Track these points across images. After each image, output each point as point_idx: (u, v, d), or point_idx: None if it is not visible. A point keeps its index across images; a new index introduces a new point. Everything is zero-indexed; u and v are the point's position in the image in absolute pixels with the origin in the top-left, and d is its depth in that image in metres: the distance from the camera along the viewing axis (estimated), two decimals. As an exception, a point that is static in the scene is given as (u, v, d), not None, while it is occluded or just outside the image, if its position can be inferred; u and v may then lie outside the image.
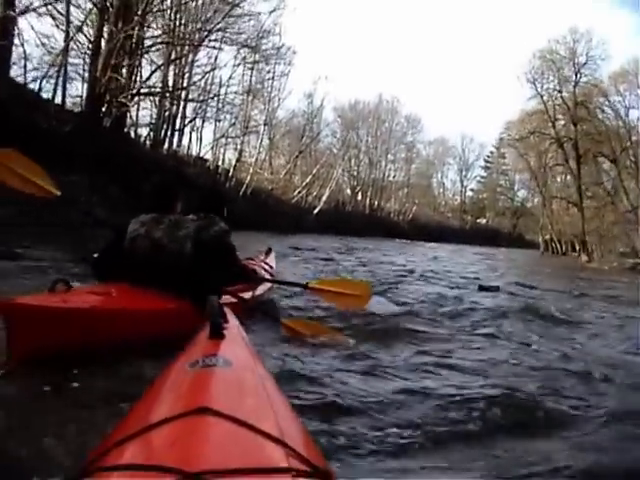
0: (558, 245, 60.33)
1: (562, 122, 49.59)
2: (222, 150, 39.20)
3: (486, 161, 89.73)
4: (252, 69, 37.10)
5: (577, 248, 59.75)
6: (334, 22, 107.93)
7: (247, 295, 5.42)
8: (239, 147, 38.37)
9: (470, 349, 5.11)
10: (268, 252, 8.65)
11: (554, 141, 49.37)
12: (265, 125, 41.05)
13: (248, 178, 37.35)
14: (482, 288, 10.65)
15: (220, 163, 38.67)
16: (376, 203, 63.69)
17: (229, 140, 39.00)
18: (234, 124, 37.86)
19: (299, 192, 46.23)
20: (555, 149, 50.43)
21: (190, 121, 35.09)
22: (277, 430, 1.27)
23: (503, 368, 4.41)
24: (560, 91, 48.97)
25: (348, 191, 62.57)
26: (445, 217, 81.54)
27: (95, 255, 4.74)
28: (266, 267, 7.50)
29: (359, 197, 62.37)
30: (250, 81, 37.67)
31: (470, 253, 35.54)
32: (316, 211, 47.14)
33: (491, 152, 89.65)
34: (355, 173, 63.07)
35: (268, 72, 39.00)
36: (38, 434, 2.41)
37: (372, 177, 64.16)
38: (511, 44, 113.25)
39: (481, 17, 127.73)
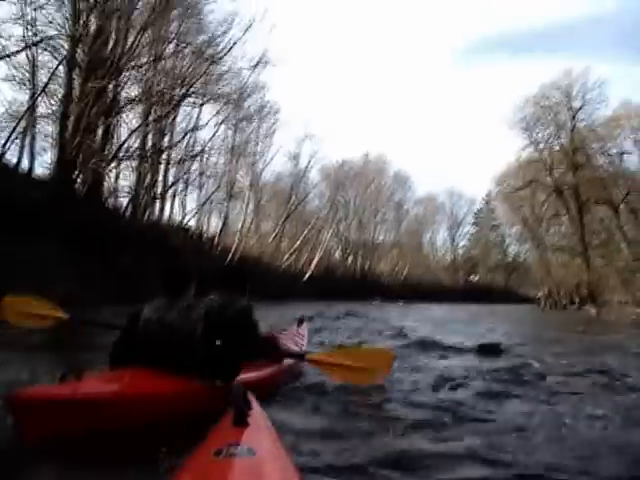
0: (557, 298, 58.72)
1: (559, 170, 48.07)
2: (206, 216, 37.31)
3: (475, 217, 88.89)
4: (235, 128, 35.44)
5: (576, 300, 58.50)
6: (317, 80, 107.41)
7: (272, 370, 5.53)
8: (224, 213, 36.47)
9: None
10: (300, 322, 8.55)
11: (553, 190, 47.67)
12: (250, 188, 39.23)
13: (235, 245, 35.37)
14: (483, 348, 9.49)
15: (205, 230, 36.74)
16: (367, 265, 61.76)
17: (213, 206, 37.16)
18: (218, 188, 36.04)
19: (288, 257, 44.33)
20: (553, 198, 48.75)
21: (172, 185, 33.05)
22: None
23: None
24: (558, 137, 47.66)
25: (337, 254, 61.17)
26: (437, 276, 79.81)
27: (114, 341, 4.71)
28: (297, 338, 7.45)
29: (349, 260, 60.78)
30: (233, 141, 36.05)
31: (465, 312, 33.29)
32: (306, 276, 45.17)
33: (480, 208, 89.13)
34: (344, 236, 61.45)
35: (251, 132, 37.45)
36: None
37: (362, 239, 62.67)
38: (497, 94, 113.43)
39: (465, 69, 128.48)
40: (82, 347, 6.97)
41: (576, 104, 46.93)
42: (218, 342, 4.65)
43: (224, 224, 36.47)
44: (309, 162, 46.09)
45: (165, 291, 4.65)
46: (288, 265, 44.29)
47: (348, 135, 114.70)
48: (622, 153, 44.73)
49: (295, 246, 45.82)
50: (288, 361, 5.96)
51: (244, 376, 4.76)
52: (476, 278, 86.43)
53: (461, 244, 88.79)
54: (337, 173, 55.67)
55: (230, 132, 35.59)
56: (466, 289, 76.84)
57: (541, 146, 48.82)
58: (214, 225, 38.14)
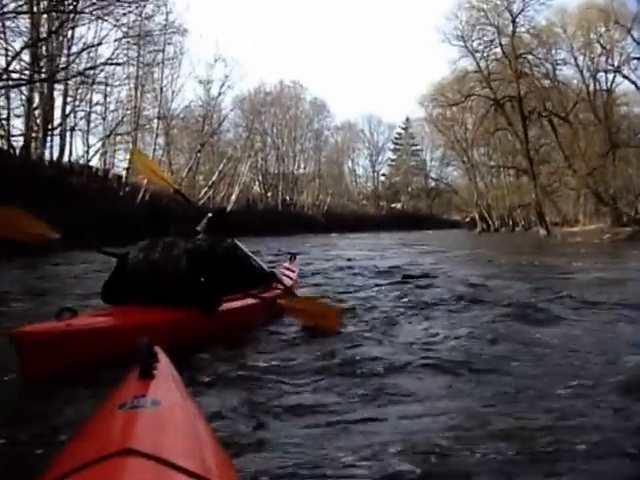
0: (491, 221, 58.36)
1: (498, 82, 44.71)
2: (112, 152, 34.05)
3: (395, 143, 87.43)
4: (138, 52, 31.90)
5: (517, 222, 58.20)
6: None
7: (267, 295, 6.20)
8: (131, 147, 33.28)
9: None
10: (292, 259, 9.00)
11: (493, 103, 44.62)
12: (159, 119, 35.95)
13: (145, 181, 32.54)
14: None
15: (111, 167, 33.66)
16: (288, 198, 59.53)
17: (119, 140, 33.86)
18: (123, 119, 32.73)
19: (205, 193, 41.57)
20: (492, 113, 45.90)
21: (69, 114, 29.17)
22: (203, 469, 1.28)
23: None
24: (497, 44, 43.78)
25: (257, 188, 58.56)
26: (360, 205, 78.42)
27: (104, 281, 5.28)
28: (287, 272, 7.81)
29: (270, 194, 58.13)
30: (137, 66, 32.53)
31: (398, 240, 31.80)
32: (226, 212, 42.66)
33: (399, 133, 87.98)
34: (264, 168, 58.66)
35: (156, 55, 34.00)
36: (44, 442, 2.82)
37: (282, 170, 60.01)
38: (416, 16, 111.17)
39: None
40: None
41: (516, 7, 43.15)
42: (202, 277, 5.17)
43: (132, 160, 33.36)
44: (221, 87, 42.01)
45: (148, 233, 5.22)
46: (205, 202, 41.64)
47: (262, 62, 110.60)
48: (555, 64, 42.53)
49: (212, 180, 42.75)
50: (273, 294, 6.38)
51: (224, 307, 5.34)
52: (399, 205, 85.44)
53: (382, 172, 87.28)
54: (252, 101, 52.38)
55: (133, 54, 31.87)
56: (390, 217, 75.67)
57: (478, 55, 45.09)
58: (123, 163, 34.91)
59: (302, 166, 65.56)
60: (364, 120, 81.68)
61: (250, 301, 5.89)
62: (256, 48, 75.48)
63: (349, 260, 15.38)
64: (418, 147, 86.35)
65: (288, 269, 8.28)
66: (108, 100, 31.93)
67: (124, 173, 32.75)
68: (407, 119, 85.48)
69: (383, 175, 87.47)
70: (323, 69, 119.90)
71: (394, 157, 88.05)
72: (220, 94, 41.94)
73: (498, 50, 43.76)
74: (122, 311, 4.78)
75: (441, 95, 53.55)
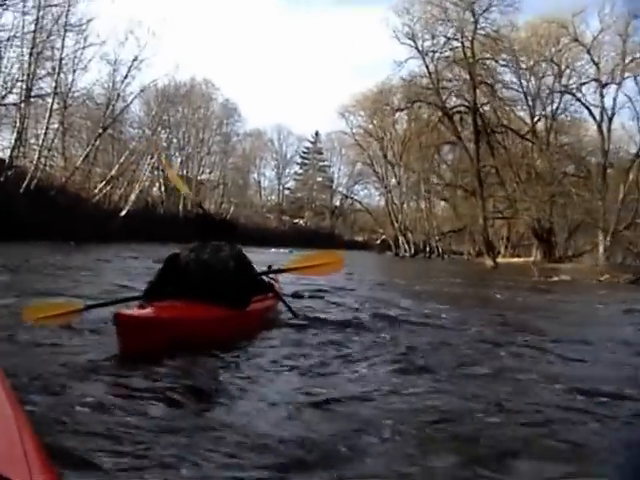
0: (407, 246, 55.40)
1: (448, 90, 41.07)
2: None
3: (302, 157, 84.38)
4: (37, 13, 26.65)
5: (428, 249, 55.62)
6: None
7: (268, 304, 6.74)
8: (18, 124, 27.62)
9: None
10: (268, 269, 8.24)
11: (443, 113, 40.31)
12: (55, 95, 30.32)
13: (32, 168, 27.08)
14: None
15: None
16: (189, 204, 54.63)
17: (4, 111, 28.15)
18: (11, 89, 27.10)
19: (101, 189, 36.25)
20: (433, 125, 42.13)
21: None
22: (26, 475, 1.24)
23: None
24: (462, 44, 38.41)
25: (158, 191, 54.34)
26: (264, 218, 74.43)
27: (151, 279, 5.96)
28: (272, 281, 7.72)
29: (172, 198, 53.62)
30: (35, 30, 27.14)
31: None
32: (123, 213, 37.62)
33: (307, 147, 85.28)
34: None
35: (57, 20, 28.62)
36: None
37: (186, 173, 55.61)
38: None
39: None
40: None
41: (478, 6, 38.58)
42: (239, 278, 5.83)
43: (18, 140, 27.81)
44: (129, 69, 36.19)
45: (197, 236, 6.00)
46: (101, 199, 36.36)
47: (174, 54, 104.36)
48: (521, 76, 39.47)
49: (111, 174, 37.46)
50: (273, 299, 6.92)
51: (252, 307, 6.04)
52: (302, 222, 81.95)
53: (287, 185, 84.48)
54: (160, 94, 47.34)
55: (30, 18, 26.66)
56: (293, 233, 71.69)
57: (429, 58, 40.17)
58: (6, 143, 29.19)
59: (207, 171, 62.03)
60: (273, 130, 78.80)
61: (259, 304, 6.30)
62: (170, 40, 69.94)
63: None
64: (326, 163, 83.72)
65: (272, 279, 7.96)
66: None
67: (7, 154, 27.06)
68: (316, 133, 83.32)
69: (288, 189, 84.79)
70: (236, 72, 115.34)
71: (300, 172, 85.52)
72: (127, 76, 36.29)
73: (449, 53, 39.72)
74: (184, 304, 5.25)
75: (366, 107, 50.31)
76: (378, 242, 65.27)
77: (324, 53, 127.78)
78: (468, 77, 37.13)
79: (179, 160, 55.88)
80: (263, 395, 3.62)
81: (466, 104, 38.61)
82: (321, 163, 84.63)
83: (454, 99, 40.69)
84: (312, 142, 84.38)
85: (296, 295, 8.85)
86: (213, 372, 4.13)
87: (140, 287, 8.34)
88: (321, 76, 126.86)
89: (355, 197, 78.65)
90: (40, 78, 29.28)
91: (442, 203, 58.20)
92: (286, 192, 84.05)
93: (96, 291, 8.19)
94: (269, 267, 8.01)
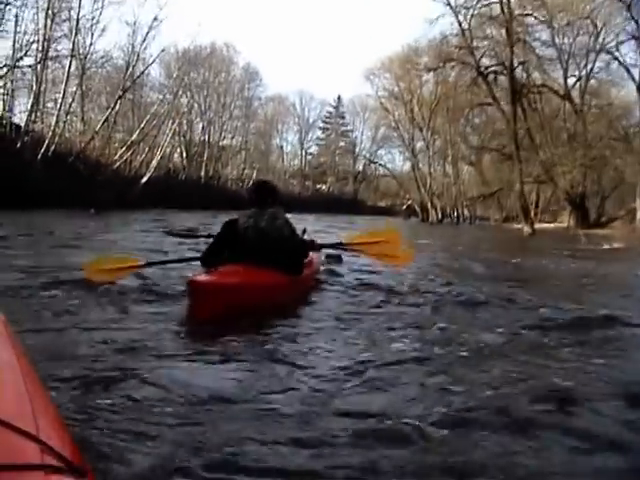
0: (434, 212, 54.17)
1: (482, 50, 38.35)
2: (10, 94, 27.26)
3: (325, 122, 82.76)
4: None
5: (456, 214, 54.40)
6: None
7: (314, 269, 7.02)
8: (35, 87, 26.61)
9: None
10: (303, 233, 8.06)
11: (477, 72, 37.72)
12: (73, 56, 29.11)
13: (49, 133, 26.14)
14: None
15: (9, 112, 27.04)
16: (212, 170, 54.03)
17: (19, 75, 27.12)
18: (28, 49, 26.00)
19: (121, 155, 35.27)
20: (467, 85, 39.61)
21: None
22: (33, 427, 1.23)
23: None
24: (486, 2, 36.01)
25: (179, 157, 53.16)
26: (287, 183, 73.29)
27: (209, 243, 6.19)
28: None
29: (193, 163, 52.74)
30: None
31: (342, 225, 26.60)
32: (144, 180, 36.76)
33: (329, 112, 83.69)
34: (188, 135, 53.17)
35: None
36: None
37: (208, 139, 54.68)
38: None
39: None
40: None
41: None
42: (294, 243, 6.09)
43: (35, 104, 26.82)
44: (148, 31, 35.06)
45: (254, 203, 6.05)
46: (121, 165, 35.44)
47: (195, 18, 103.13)
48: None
49: (131, 139, 36.43)
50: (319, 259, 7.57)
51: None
52: (324, 187, 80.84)
53: (310, 150, 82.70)
54: (180, 58, 46.14)
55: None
56: (316, 198, 70.84)
57: (462, 15, 37.31)
58: (23, 107, 28.17)
59: (230, 136, 60.40)
60: (295, 95, 77.19)
61: (307, 270, 6.41)
62: (190, 1, 68.47)
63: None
64: (349, 127, 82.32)
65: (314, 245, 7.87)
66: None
67: (24, 119, 26.13)
68: (339, 97, 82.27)
69: (310, 154, 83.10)
70: (257, 35, 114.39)
71: (323, 136, 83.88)
72: (146, 37, 35.05)
73: (485, 10, 36.88)
74: (246, 270, 5.33)
75: (394, 67, 48.78)
76: (404, 208, 64.20)
77: (348, 14, 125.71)
78: (504, 34, 34.90)
79: (201, 125, 54.87)
80: (326, 366, 3.58)
81: (501, 63, 36.44)
82: (343, 128, 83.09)
83: (485, 59, 38.39)
84: (334, 107, 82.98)
85: (338, 258, 9.00)
86: (281, 341, 4.18)
87: (167, 256, 8.55)
88: (344, 39, 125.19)
89: (378, 162, 77.24)
90: (56, 40, 28.10)
91: (465, 168, 56.78)
92: (308, 157, 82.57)
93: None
94: (303, 230, 7.90)
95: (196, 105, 53.99)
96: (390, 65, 53.61)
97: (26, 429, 1.19)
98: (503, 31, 35.01)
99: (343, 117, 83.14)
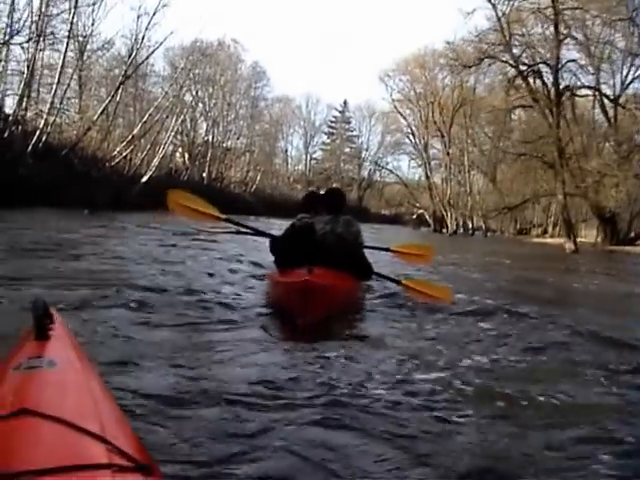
0: (449, 222, 51.99)
1: (522, 47, 34.52)
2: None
3: (330, 127, 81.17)
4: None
5: (470, 225, 52.17)
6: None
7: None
8: (26, 72, 24.05)
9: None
10: None
11: (518, 72, 34.00)
12: (69, 38, 26.36)
13: (42, 123, 23.66)
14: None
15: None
16: (215, 172, 51.88)
17: (10, 56, 24.53)
18: (20, 29, 23.29)
19: (120, 152, 32.75)
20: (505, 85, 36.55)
21: None
22: (99, 428, 1.28)
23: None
24: None
25: (181, 158, 51.19)
26: (291, 188, 71.53)
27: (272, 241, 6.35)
28: None
29: (197, 163, 50.61)
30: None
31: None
32: (144, 179, 34.36)
33: (335, 117, 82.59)
34: (191, 134, 51.02)
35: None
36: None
37: (211, 140, 52.43)
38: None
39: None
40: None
41: None
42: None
43: (27, 89, 24.28)
44: (153, 15, 31.62)
45: (327, 208, 6.37)
46: (121, 162, 32.98)
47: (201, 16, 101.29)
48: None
49: (132, 134, 33.81)
50: None
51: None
52: (329, 193, 78.83)
53: (315, 155, 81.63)
54: (187, 52, 43.66)
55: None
56: (321, 205, 68.50)
57: (500, 9, 33.80)
58: (12, 95, 25.56)
59: (235, 136, 58.18)
60: (302, 97, 76.43)
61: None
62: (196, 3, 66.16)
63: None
64: (354, 133, 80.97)
65: None
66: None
67: (14, 107, 23.64)
68: (345, 102, 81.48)
69: (314, 159, 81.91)
70: (264, 37, 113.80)
71: (328, 141, 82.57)
72: (151, 22, 31.45)
73: (525, 4, 33.07)
74: (329, 273, 5.29)
75: (407, 71, 46.73)
76: (414, 217, 62.30)
77: (357, 18, 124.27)
78: (542, 30, 32.21)
79: (205, 125, 52.74)
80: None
81: (543, 62, 33.40)
82: (349, 133, 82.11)
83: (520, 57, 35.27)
84: (340, 111, 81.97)
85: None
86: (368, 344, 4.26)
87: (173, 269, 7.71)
88: (352, 43, 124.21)
89: (388, 168, 75.75)
90: (52, 17, 25.16)
91: (478, 177, 54.43)
92: (313, 162, 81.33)
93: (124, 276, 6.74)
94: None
95: (201, 103, 51.78)
96: (405, 67, 51.69)
97: (93, 430, 1.22)
98: (544, 26, 32.35)
99: (349, 122, 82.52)
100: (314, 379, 3.18)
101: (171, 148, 45.32)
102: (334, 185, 78.09)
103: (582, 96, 35.25)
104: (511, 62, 33.92)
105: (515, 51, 33.80)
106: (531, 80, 33.64)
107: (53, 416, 1.24)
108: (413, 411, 2.83)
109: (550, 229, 51.94)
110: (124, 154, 33.15)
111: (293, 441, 2.36)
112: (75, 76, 28.80)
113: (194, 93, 48.83)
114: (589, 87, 34.91)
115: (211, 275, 7.32)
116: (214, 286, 6.34)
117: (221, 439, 2.39)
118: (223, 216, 6.39)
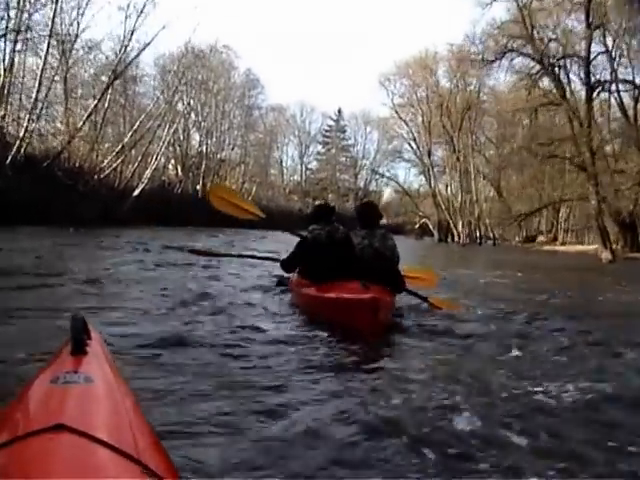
0: (456, 232, 50.20)
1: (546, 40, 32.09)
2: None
3: (325, 136, 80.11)
4: None
5: (479, 234, 50.36)
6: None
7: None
8: (3, 74, 21.79)
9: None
10: None
11: (541, 67, 31.90)
12: (50, 37, 23.87)
13: (22, 131, 21.56)
14: None
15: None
16: (210, 183, 49.65)
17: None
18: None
19: (109, 164, 30.58)
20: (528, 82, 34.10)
21: None
22: (133, 448, 1.30)
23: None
24: None
25: (173, 168, 49.19)
26: (286, 199, 70.29)
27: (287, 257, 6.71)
28: None
29: (189, 176, 48.77)
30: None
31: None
32: (136, 193, 32.34)
33: (329, 125, 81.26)
34: (184, 145, 48.97)
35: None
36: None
37: (206, 149, 50.76)
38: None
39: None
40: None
41: None
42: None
43: (4, 94, 22.09)
44: (140, 12, 29.36)
45: (362, 222, 6.39)
46: (110, 175, 30.87)
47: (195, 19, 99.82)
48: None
49: (122, 143, 31.58)
50: None
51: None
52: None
53: (310, 165, 79.98)
54: (179, 55, 41.65)
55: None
56: (320, 216, 66.82)
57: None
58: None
59: (230, 147, 56.38)
60: (296, 105, 74.50)
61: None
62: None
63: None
64: (349, 142, 79.58)
65: None
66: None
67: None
68: (339, 110, 79.93)
69: (310, 170, 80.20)
70: (257, 45, 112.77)
71: (323, 151, 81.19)
72: (138, 19, 29.17)
73: None
74: (379, 288, 5.49)
75: (408, 75, 45.04)
76: (416, 226, 60.55)
77: (351, 27, 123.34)
78: (583, 19, 29.56)
79: (198, 135, 50.79)
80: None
81: (572, 55, 31.06)
82: (344, 142, 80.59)
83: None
84: (335, 120, 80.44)
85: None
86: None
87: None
88: (346, 51, 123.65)
89: (387, 176, 74.06)
90: (28, 11, 22.84)
91: (482, 184, 52.56)
92: (308, 173, 79.70)
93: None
94: None
95: (193, 113, 49.89)
96: (407, 70, 50.09)
97: (126, 450, 1.24)
98: (572, 16, 30.15)
99: (344, 131, 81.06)
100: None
101: (163, 160, 43.41)
102: (330, 195, 77.48)
103: (611, 92, 32.81)
104: (535, 56, 31.66)
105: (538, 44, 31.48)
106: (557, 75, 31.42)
107: (87, 433, 1.24)
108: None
109: (561, 236, 49.98)
110: (113, 166, 30.99)
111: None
112: (59, 79, 26.47)
113: (186, 100, 46.75)
114: (626, 81, 32.40)
115: (232, 291, 7.30)
116: (241, 305, 6.28)
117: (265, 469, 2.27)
118: (262, 215, 6.93)
